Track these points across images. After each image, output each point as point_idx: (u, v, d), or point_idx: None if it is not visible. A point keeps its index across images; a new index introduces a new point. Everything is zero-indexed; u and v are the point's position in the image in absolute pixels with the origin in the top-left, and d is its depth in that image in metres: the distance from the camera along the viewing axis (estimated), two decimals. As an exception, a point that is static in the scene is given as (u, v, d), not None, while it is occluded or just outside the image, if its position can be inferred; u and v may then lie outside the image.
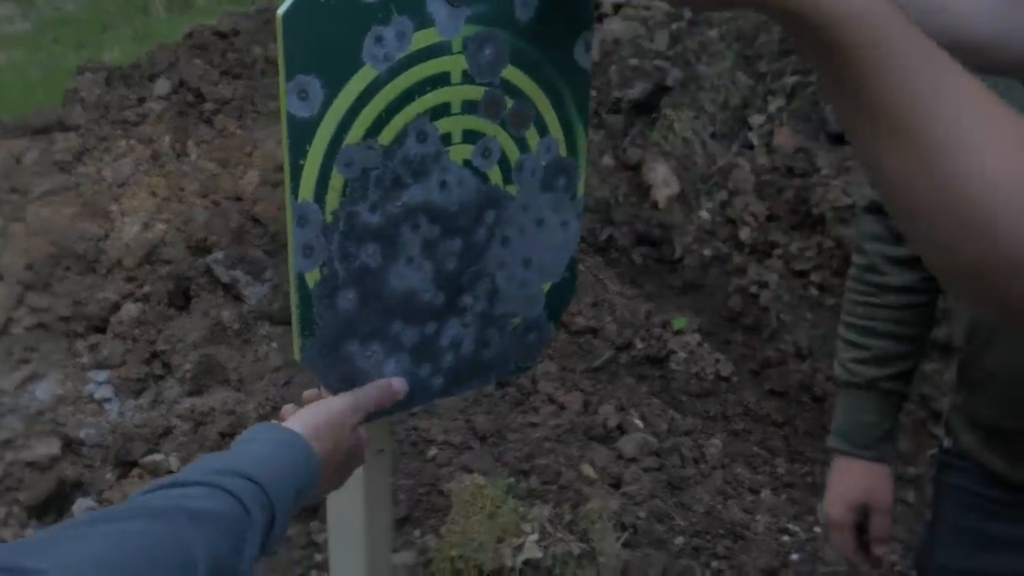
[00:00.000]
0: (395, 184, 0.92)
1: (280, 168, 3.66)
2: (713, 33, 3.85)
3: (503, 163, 1.00)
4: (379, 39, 0.86)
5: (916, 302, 1.35)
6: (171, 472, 2.48)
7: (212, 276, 3.15)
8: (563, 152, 1.04)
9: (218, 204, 3.31)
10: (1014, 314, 0.61)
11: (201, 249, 3.21)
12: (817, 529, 2.87)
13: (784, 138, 3.57)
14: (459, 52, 0.91)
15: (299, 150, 0.84)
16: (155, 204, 3.31)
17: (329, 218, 0.88)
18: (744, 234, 3.53)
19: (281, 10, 0.80)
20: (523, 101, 0.98)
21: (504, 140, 0.99)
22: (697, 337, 3.37)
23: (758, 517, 2.91)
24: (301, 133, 0.83)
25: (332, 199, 0.88)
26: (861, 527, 1.40)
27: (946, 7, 0.85)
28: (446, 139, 0.94)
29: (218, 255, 3.17)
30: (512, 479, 2.83)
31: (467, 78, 0.93)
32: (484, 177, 0.99)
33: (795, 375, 3.18)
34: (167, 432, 2.85)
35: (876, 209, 1.38)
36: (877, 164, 0.62)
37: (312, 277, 0.89)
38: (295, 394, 3.07)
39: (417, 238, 0.95)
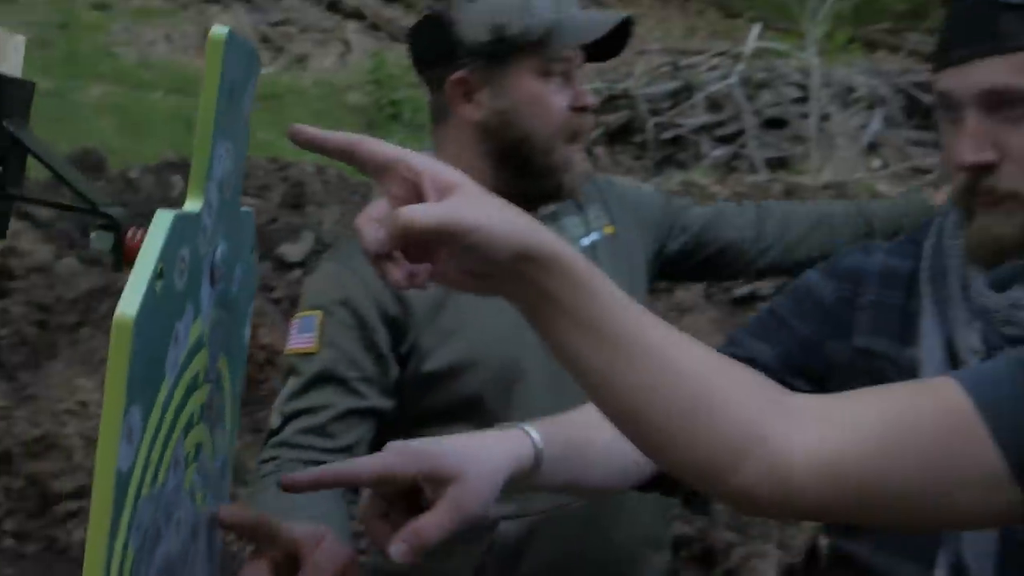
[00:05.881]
0: (155, 541, 0.63)
1: None
2: None
3: (205, 479, 0.76)
4: (176, 339, 0.60)
5: None
6: None
7: None
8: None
9: None
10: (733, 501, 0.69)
11: None
12: None
13: None
14: (205, 345, 0.69)
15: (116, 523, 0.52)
16: None
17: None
18: None
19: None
20: (222, 394, 0.77)
21: (208, 451, 0.76)
22: None
23: None
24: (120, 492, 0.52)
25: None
26: None
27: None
28: (187, 460, 0.68)
29: None
30: None
31: (206, 376, 0.70)
32: (194, 499, 0.74)
33: None
34: None
35: None
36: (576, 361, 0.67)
37: None
38: None
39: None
